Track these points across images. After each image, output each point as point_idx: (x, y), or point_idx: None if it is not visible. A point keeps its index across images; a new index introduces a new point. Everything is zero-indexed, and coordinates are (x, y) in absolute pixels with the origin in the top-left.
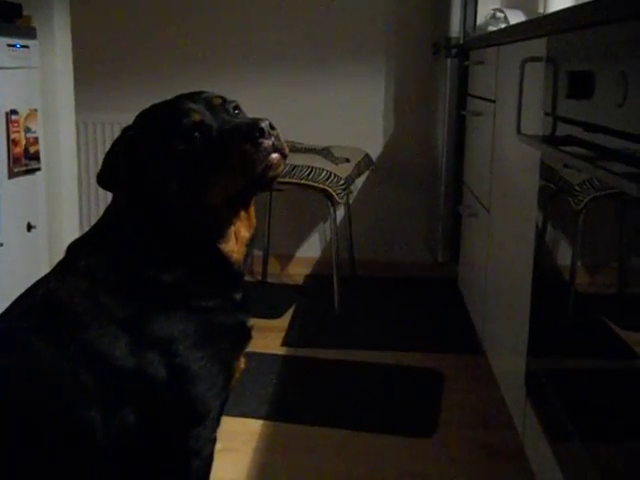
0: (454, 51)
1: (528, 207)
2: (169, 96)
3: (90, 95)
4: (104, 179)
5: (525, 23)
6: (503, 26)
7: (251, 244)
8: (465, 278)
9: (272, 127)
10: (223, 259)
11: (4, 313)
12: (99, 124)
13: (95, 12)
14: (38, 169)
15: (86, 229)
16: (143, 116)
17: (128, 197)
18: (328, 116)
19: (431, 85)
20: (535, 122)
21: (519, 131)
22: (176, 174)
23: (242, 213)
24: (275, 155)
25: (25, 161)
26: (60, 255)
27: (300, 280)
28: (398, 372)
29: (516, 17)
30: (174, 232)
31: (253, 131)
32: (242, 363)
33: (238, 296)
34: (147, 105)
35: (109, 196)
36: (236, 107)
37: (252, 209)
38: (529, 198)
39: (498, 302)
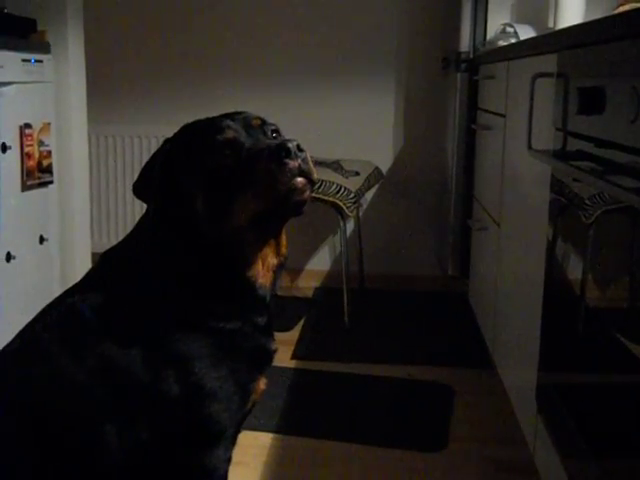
0: (464, 65)
1: (539, 221)
2: (179, 109)
3: (102, 108)
4: (139, 189)
5: (536, 38)
6: (513, 41)
7: (279, 270)
8: (475, 292)
9: (300, 149)
10: (247, 283)
11: (31, 322)
12: (111, 137)
13: (107, 26)
14: (51, 182)
15: (97, 241)
16: (183, 129)
17: (160, 210)
18: (338, 129)
19: (441, 99)
20: (546, 137)
21: (530, 146)
22: (203, 190)
23: (271, 239)
24: (300, 179)
25: (38, 174)
26: (72, 268)
27: (310, 293)
28: (408, 386)
29: (526, 32)
30: (200, 251)
31: (279, 151)
32: (262, 384)
33: (261, 320)
34: (157, 117)
35: (121, 208)
36: (275, 130)
37: (283, 237)
38: (540, 212)
39: (509, 316)
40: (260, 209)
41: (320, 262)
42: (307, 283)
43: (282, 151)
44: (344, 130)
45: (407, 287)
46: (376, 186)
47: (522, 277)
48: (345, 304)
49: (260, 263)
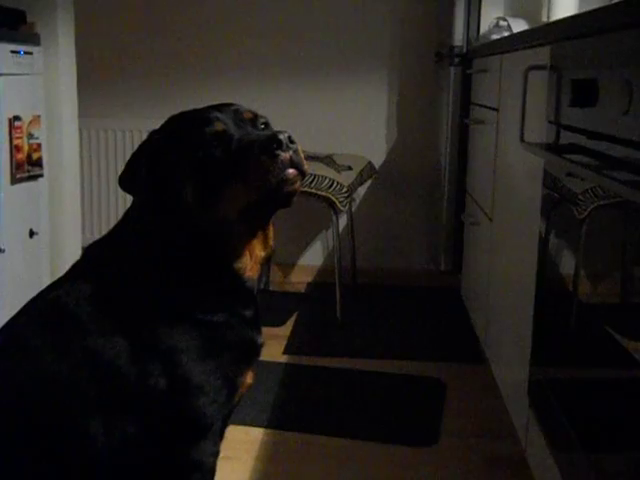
0: (457, 59)
1: (531, 216)
2: (170, 103)
3: (92, 101)
4: (125, 181)
5: (529, 31)
6: (506, 34)
7: (266, 263)
8: (468, 287)
9: (292, 141)
10: (234, 275)
11: (15, 317)
12: (101, 130)
13: (98, 18)
14: (41, 175)
15: (87, 236)
16: (170, 121)
17: (146, 202)
18: (331, 124)
19: (434, 93)
20: (539, 130)
21: (522, 139)
22: (192, 181)
23: (259, 231)
24: (291, 170)
25: (28, 167)
26: (62, 261)
27: (302, 288)
28: (400, 381)
29: (519, 25)
30: (187, 243)
31: (271, 142)
32: (249, 378)
33: (249, 313)
34: (148, 111)
35: (112, 203)
36: (265, 123)
37: (270, 229)
38: (532, 206)
39: (501, 311)
40: (251, 200)
41: (312, 257)
42: (299, 278)
43: (273, 142)
44: (337, 124)
45: (400, 282)
46: (369, 181)
47: (514, 272)
48: (337, 299)
49: (248, 255)
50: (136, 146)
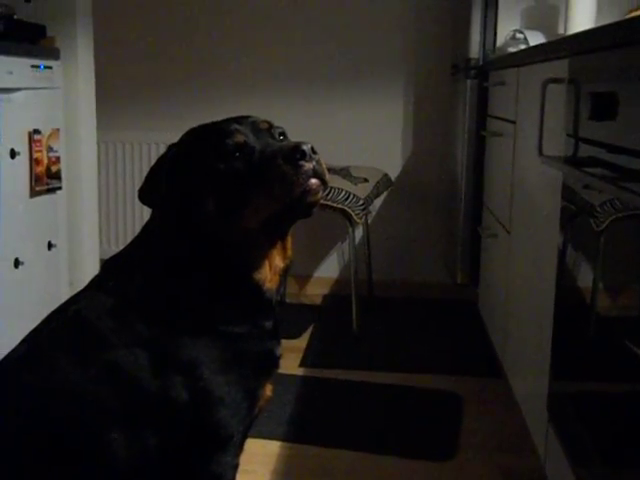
0: (473, 72)
1: (550, 228)
2: (188, 116)
3: (110, 115)
4: (145, 194)
5: (547, 44)
6: (523, 47)
7: (285, 274)
8: (485, 300)
9: (314, 151)
10: (255, 286)
11: (35, 329)
12: (119, 143)
13: (116, 33)
14: (59, 188)
15: (105, 247)
16: (189, 134)
17: (166, 215)
18: (347, 136)
19: (450, 106)
20: (557, 143)
21: (541, 152)
22: (214, 193)
23: (278, 242)
24: (314, 180)
25: (47, 180)
26: (81, 274)
27: (318, 300)
28: (417, 394)
29: (536, 38)
30: (208, 255)
31: (294, 153)
32: (268, 390)
33: (268, 324)
34: (166, 124)
35: (129, 215)
36: (282, 133)
37: (289, 240)
38: (551, 219)
39: (519, 324)
40: (274, 211)
41: (328, 269)
42: (315, 290)
43: (297, 153)
44: (353, 137)
45: (416, 295)
46: (385, 193)
47: (533, 285)
48: (354, 312)
49: (267, 266)
50: (154, 159)
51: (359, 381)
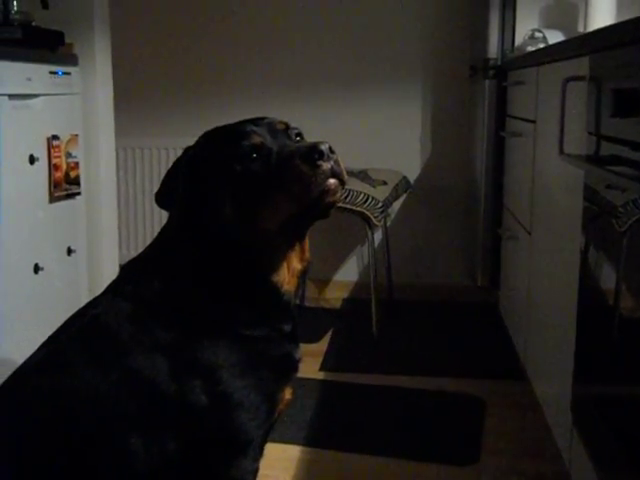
0: (492, 72)
1: (572, 229)
2: (207, 120)
3: (127, 120)
4: (161, 198)
5: (567, 42)
6: (542, 46)
7: (303, 276)
8: (506, 302)
9: (332, 151)
10: (273, 289)
11: (54, 335)
12: (138, 148)
13: (135, 36)
14: (78, 193)
15: (124, 252)
16: (205, 136)
17: (183, 218)
18: (365, 138)
19: (468, 107)
20: (578, 142)
21: (562, 151)
22: (231, 195)
23: (296, 244)
24: (333, 180)
25: (66, 186)
26: (100, 279)
27: (338, 304)
28: (438, 398)
29: (555, 37)
30: (226, 258)
31: (312, 153)
32: (288, 394)
33: (287, 327)
34: (183, 129)
35: (147, 220)
36: (299, 134)
37: (307, 242)
38: (572, 220)
39: (541, 326)
40: (292, 212)
41: (348, 273)
42: (335, 294)
43: (315, 153)
44: (371, 139)
45: (436, 298)
46: (404, 195)
47: (555, 287)
48: (373, 315)
49: (286, 268)
50: (172, 163)
51: (379, 385)
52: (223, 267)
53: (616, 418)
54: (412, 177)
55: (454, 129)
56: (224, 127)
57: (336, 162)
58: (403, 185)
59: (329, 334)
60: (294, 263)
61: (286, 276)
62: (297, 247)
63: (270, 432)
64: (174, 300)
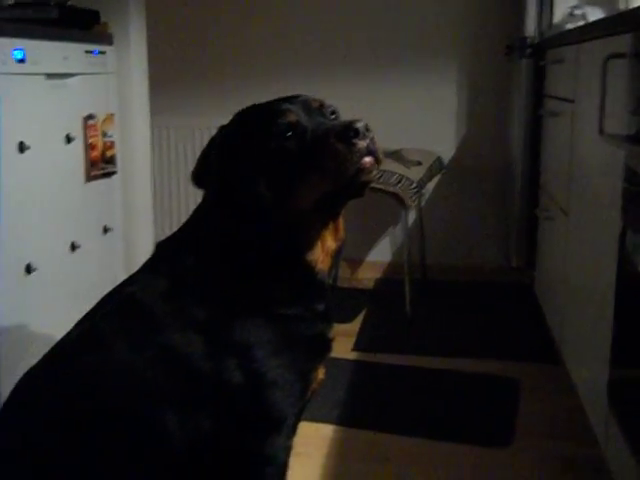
0: (529, 51)
1: (611, 210)
2: (242, 99)
3: (164, 99)
4: (197, 176)
5: (608, 18)
6: (581, 23)
7: (337, 256)
8: (542, 284)
9: (368, 129)
10: (307, 268)
11: (90, 312)
12: (173, 128)
13: (170, 15)
14: (114, 172)
15: (159, 232)
16: (240, 115)
17: (218, 197)
18: (399, 118)
19: (504, 87)
20: (619, 122)
21: (602, 131)
22: (267, 173)
23: (331, 223)
24: (368, 159)
25: (102, 165)
26: (136, 257)
27: (371, 284)
28: (472, 379)
29: (595, 14)
30: (260, 237)
31: (348, 131)
32: (321, 373)
33: (321, 307)
34: (217, 109)
35: (182, 199)
36: (333, 112)
37: (341, 220)
38: (611, 201)
39: (578, 309)
40: (328, 190)
41: (381, 253)
42: (368, 274)
43: (350, 131)
44: (405, 119)
45: (470, 278)
46: (438, 175)
47: (592, 269)
48: (407, 296)
49: (320, 247)
50: (205, 143)
51: (412, 366)
52: (257, 246)
53: None
54: (446, 157)
55: (489, 109)
56: (259, 105)
57: (372, 140)
58: (437, 165)
59: (362, 314)
60: (328, 242)
61: (320, 255)
62: (331, 226)
63: (303, 411)
64: (209, 278)
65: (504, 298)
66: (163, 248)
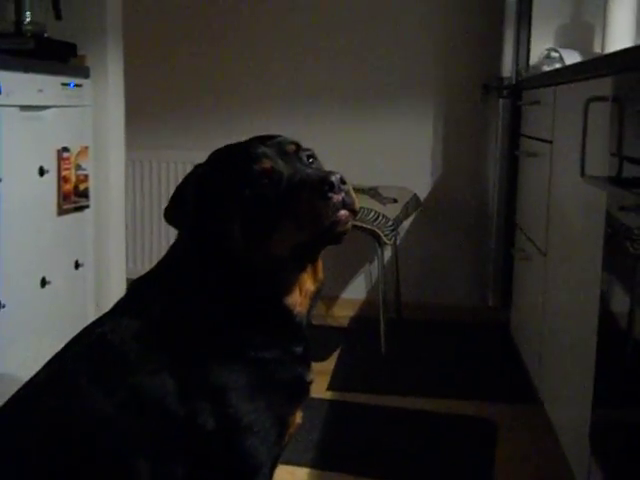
0: (506, 91)
1: (592, 251)
2: (215, 134)
3: (138, 133)
4: (170, 214)
5: (589, 62)
6: (558, 66)
7: (315, 297)
8: (518, 323)
9: (343, 182)
10: (285, 311)
11: (59, 353)
12: (147, 161)
13: (146, 52)
14: (87, 206)
15: (131, 267)
16: (216, 155)
17: (192, 237)
18: (375, 156)
19: (481, 126)
20: (599, 163)
21: (583, 172)
22: (240, 219)
23: (308, 266)
24: (344, 212)
25: (75, 198)
26: (107, 293)
27: (345, 322)
28: (448, 420)
29: (572, 57)
30: (236, 279)
31: (323, 185)
32: (298, 417)
33: (299, 349)
34: (194, 144)
35: (155, 235)
36: (310, 156)
37: (319, 263)
38: (593, 241)
39: (557, 349)
40: (303, 241)
41: (356, 291)
42: (342, 312)
43: (325, 185)
44: (381, 156)
45: (446, 317)
46: (414, 214)
47: (573, 309)
48: (382, 334)
49: (298, 290)
50: (180, 177)
51: (388, 406)
52: (233, 288)
53: (638, 447)
54: (422, 195)
55: (465, 147)
56: (235, 146)
57: (347, 193)
58: (413, 203)
59: (337, 352)
60: (307, 284)
61: (298, 298)
62: (310, 268)
63: (280, 457)
64: (183, 320)
65: (479, 337)
66: (136, 288)
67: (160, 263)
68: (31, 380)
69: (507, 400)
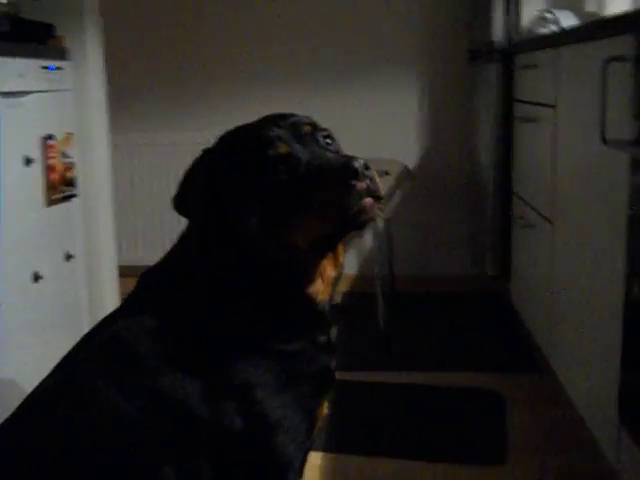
0: (497, 56)
1: (613, 218)
2: (204, 116)
3: (121, 116)
4: (179, 203)
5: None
6: (554, 27)
7: (336, 283)
8: (521, 292)
9: (367, 167)
10: (307, 301)
11: (69, 354)
12: (133, 145)
13: (127, 30)
14: (75, 195)
15: (124, 255)
16: (226, 139)
17: (204, 227)
18: (364, 128)
19: (467, 93)
20: (619, 127)
21: (604, 136)
22: (257, 209)
23: (329, 253)
24: (368, 199)
25: (62, 187)
26: (100, 285)
27: (338, 299)
28: (454, 394)
29: (567, 18)
30: (255, 271)
31: (346, 173)
32: (325, 408)
33: (322, 338)
34: (180, 125)
35: (141, 221)
36: (327, 136)
37: (340, 247)
38: (613, 208)
39: (574, 317)
40: (325, 231)
41: (348, 266)
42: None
43: (349, 172)
44: (369, 129)
45: (441, 288)
46: (406, 185)
47: (592, 276)
48: (379, 309)
49: (320, 278)
50: (171, 160)
51: (392, 383)
52: (253, 280)
53: None
54: (412, 166)
55: (453, 115)
56: (245, 129)
57: (372, 179)
58: (405, 174)
59: (333, 330)
60: (328, 271)
61: (320, 286)
62: (330, 255)
63: (309, 451)
64: (200, 316)
65: (479, 308)
66: (147, 281)
67: (169, 254)
68: (39, 387)
69: (512, 371)
